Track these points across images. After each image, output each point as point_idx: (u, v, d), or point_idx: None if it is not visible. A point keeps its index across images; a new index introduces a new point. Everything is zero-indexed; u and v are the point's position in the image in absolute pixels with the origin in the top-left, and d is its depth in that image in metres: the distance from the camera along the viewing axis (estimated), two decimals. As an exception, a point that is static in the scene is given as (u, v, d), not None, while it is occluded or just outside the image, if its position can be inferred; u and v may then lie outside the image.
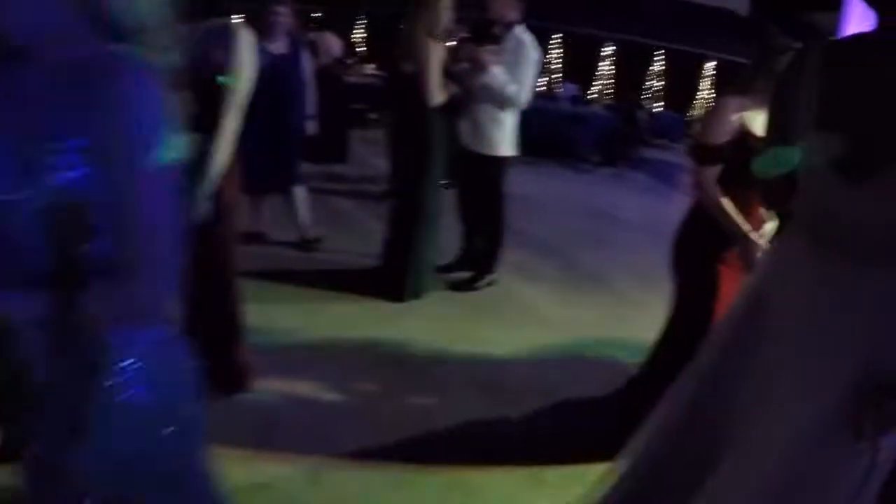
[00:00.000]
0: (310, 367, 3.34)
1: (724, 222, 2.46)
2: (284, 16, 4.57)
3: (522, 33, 4.33)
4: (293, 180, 4.91)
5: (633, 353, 3.43)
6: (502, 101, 4.30)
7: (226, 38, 2.48)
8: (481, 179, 4.53)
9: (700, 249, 2.60)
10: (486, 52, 4.27)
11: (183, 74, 2.54)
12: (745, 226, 2.44)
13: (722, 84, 17.32)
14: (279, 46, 4.57)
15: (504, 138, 4.42)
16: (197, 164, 2.52)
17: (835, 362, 1.44)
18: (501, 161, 4.47)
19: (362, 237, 5.12)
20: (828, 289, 1.48)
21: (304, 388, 3.18)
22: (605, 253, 5.94)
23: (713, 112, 2.55)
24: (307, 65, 4.96)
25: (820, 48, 1.52)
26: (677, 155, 14.38)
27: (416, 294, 4.27)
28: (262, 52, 4.37)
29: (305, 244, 5.00)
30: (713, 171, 2.47)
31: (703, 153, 2.49)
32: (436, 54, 3.98)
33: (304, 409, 3.02)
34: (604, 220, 7.22)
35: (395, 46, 4.20)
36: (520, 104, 4.32)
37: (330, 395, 3.17)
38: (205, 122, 2.50)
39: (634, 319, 4.37)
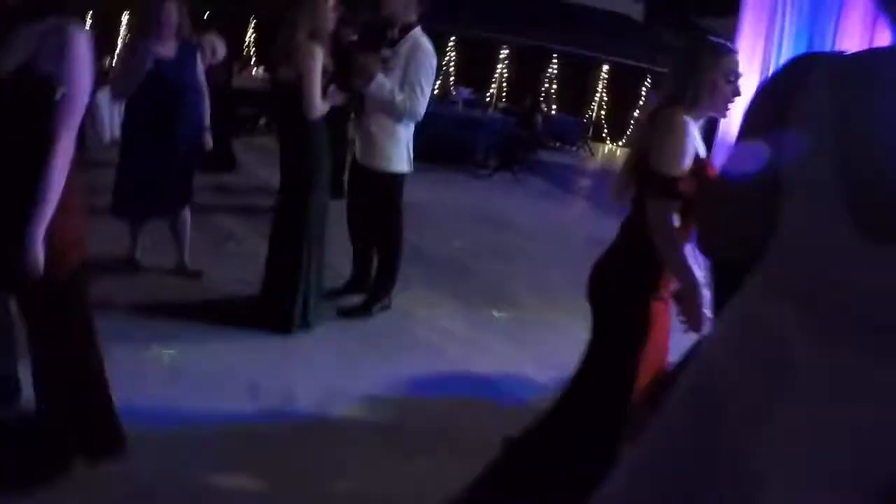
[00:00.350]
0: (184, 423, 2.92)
1: (675, 268, 2.19)
2: (170, 13, 4.09)
3: (420, 36, 4.00)
4: (183, 203, 4.42)
5: (538, 391, 3.21)
6: (393, 113, 3.98)
7: (58, 41, 2.05)
8: (374, 197, 4.20)
9: (632, 283, 2.34)
10: (372, 59, 3.94)
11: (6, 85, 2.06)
12: (698, 274, 2.16)
13: (617, 87, 17.59)
14: (167, 49, 4.09)
15: (397, 153, 4.08)
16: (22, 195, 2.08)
17: (854, 464, 1.11)
18: (395, 178, 4.14)
19: (248, 259, 4.67)
20: (837, 375, 1.13)
21: (180, 454, 2.72)
22: (505, 266, 5.73)
23: (672, 134, 2.17)
24: (200, 70, 4.46)
25: (826, 64, 1.17)
26: (573, 157, 14.52)
27: (305, 325, 3.89)
28: (148, 55, 3.94)
29: (185, 274, 4.52)
30: (674, 207, 2.15)
31: (666, 186, 2.14)
32: (317, 60, 3.60)
33: (183, 485, 2.56)
34: (502, 228, 7.02)
35: (272, 50, 3.80)
36: (414, 115, 3.99)
37: (212, 466, 2.74)
38: (33, 142, 2.08)
39: (539, 342, 4.16)
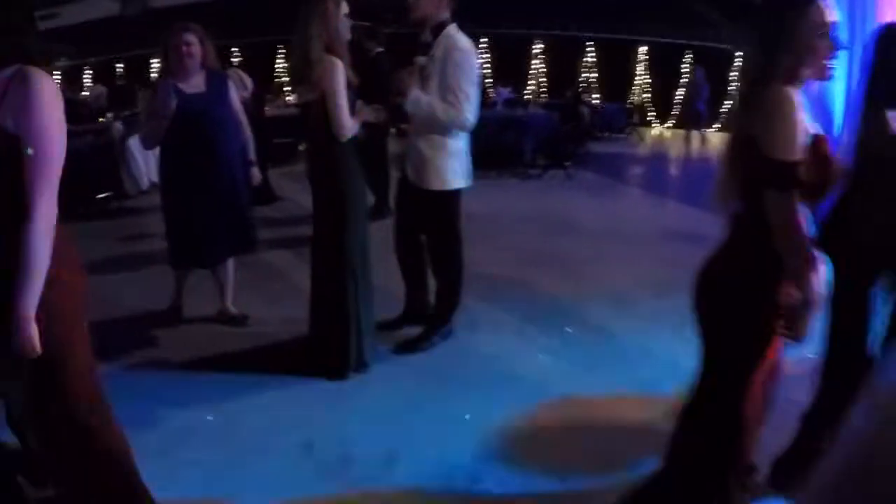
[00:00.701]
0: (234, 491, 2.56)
1: (800, 269, 1.83)
2: (192, 44, 3.75)
3: (455, 35, 3.55)
4: (246, 245, 4.09)
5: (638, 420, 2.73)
6: (439, 126, 3.56)
7: (20, 92, 1.72)
8: (430, 217, 3.79)
9: (750, 293, 1.93)
10: (406, 74, 3.55)
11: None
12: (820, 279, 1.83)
13: (656, 67, 16.93)
14: (194, 84, 3.75)
15: (451, 168, 3.65)
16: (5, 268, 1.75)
17: None
18: (452, 195, 3.71)
19: (294, 296, 4.32)
20: None
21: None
22: (571, 273, 5.24)
23: (780, 113, 1.79)
24: (235, 100, 4.07)
25: None
26: (622, 145, 13.91)
27: (361, 365, 3.51)
28: (169, 96, 3.61)
29: (230, 320, 4.20)
30: (797, 196, 1.81)
31: (785, 173, 1.79)
32: (338, 74, 3.21)
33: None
34: (561, 231, 6.53)
35: (288, 70, 3.43)
36: (462, 124, 3.55)
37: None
38: (9, 207, 1.77)
39: (619, 359, 3.69)
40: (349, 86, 3.30)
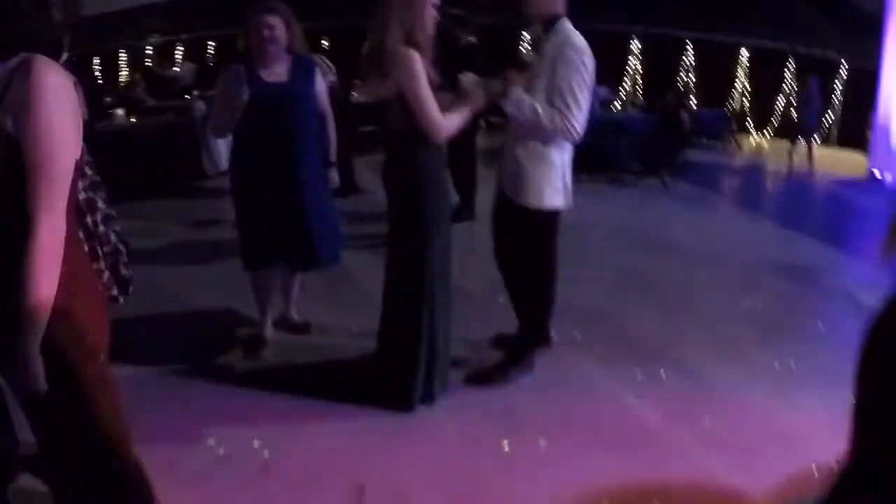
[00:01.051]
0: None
1: None
2: (275, 28, 3.37)
3: (569, 31, 3.10)
4: (331, 255, 3.68)
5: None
6: (542, 133, 3.11)
7: (22, 86, 1.39)
8: (521, 237, 3.35)
9: None
10: (514, 72, 3.12)
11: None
12: None
13: (758, 73, 16.01)
14: (275, 71, 3.38)
15: (550, 184, 3.19)
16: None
17: None
18: (548, 216, 3.26)
19: (365, 303, 3.92)
20: None
21: None
22: (666, 302, 4.71)
23: None
24: (322, 90, 3.65)
25: None
26: (720, 154, 13.06)
27: (427, 397, 3.12)
28: (254, 81, 3.26)
29: (291, 327, 3.88)
30: None
31: None
32: (417, 67, 2.78)
33: None
34: (656, 250, 5.96)
35: (361, 60, 3.00)
36: (570, 134, 3.08)
37: None
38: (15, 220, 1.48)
39: (720, 416, 3.18)
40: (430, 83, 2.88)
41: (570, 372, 3.57)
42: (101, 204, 4.37)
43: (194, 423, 2.97)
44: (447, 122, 2.91)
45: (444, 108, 2.95)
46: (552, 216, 3.26)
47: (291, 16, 3.44)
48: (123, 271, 4.37)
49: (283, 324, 3.90)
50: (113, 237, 4.34)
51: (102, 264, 4.08)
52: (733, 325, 4.31)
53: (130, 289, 4.38)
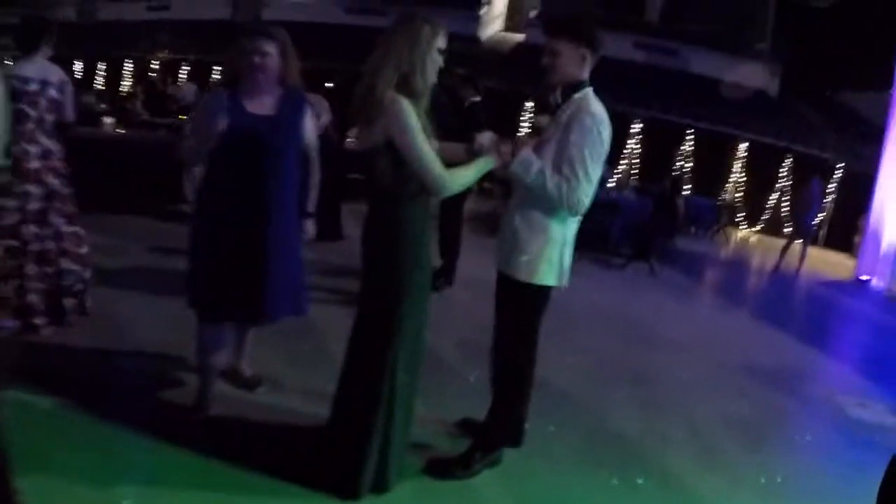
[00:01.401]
0: None
1: None
2: (267, 54, 3.03)
3: (590, 98, 2.83)
4: (295, 308, 3.29)
5: None
6: (544, 202, 2.82)
7: None
8: (505, 311, 3.03)
9: None
10: (526, 138, 2.85)
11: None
12: None
13: (753, 167, 16.08)
14: (263, 104, 3.02)
15: (545, 258, 2.88)
16: None
17: None
18: (537, 292, 2.93)
19: (327, 365, 3.47)
20: None
21: None
22: (648, 399, 4.38)
23: None
24: (310, 130, 3.30)
25: None
26: (708, 245, 12.89)
27: (380, 485, 2.75)
28: (237, 110, 2.92)
29: (239, 381, 3.50)
30: None
31: None
32: (408, 115, 2.47)
33: None
34: (640, 341, 5.65)
35: (349, 106, 2.67)
36: (574, 206, 2.77)
37: None
38: None
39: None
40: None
41: (540, 470, 3.20)
42: (55, 218, 3.98)
43: (110, 478, 2.61)
44: (453, 177, 2.60)
45: (455, 161, 2.68)
46: (543, 293, 2.95)
47: (289, 44, 3.14)
48: (66, 300, 3.97)
49: (232, 376, 3.52)
50: (69, 262, 3.93)
51: (17, 283, 3.64)
52: (717, 429, 4.00)
53: (66, 321, 3.98)
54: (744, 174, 16.33)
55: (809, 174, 11.51)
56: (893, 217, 10.57)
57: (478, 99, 6.01)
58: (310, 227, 3.39)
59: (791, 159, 15.55)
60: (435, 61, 2.61)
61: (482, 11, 18.24)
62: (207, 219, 3.12)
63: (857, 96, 16.26)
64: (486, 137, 2.82)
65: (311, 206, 3.37)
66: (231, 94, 3.04)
